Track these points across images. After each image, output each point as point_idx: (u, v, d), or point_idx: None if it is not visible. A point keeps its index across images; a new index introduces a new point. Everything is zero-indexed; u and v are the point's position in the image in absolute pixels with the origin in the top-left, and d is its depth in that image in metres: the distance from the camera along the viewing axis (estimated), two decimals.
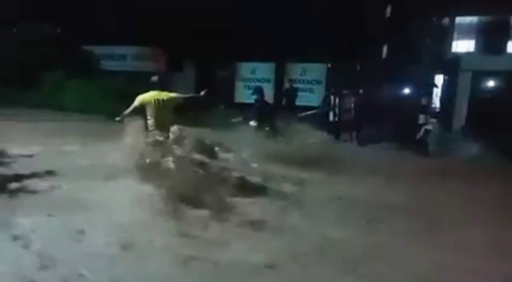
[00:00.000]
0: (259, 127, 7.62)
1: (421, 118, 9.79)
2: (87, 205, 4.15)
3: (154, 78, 5.53)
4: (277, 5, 13.43)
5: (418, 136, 9.49)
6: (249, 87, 15.78)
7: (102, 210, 4.04)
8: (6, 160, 5.75)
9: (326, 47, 14.36)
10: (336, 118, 9.95)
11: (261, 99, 8.09)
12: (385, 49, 15.78)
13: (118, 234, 3.51)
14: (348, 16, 13.96)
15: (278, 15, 13.62)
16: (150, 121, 5.29)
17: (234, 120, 8.08)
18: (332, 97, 9.95)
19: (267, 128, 7.67)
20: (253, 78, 15.75)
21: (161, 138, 5.07)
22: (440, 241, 3.78)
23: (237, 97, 15.88)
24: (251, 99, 15.11)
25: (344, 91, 9.65)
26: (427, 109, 10.43)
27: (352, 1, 14.06)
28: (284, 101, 12.53)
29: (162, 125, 5.25)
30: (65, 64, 12.20)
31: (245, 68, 15.80)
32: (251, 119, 7.65)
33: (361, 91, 10.82)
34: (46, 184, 4.77)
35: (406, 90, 12.47)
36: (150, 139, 5.08)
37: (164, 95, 5.36)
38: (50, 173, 5.23)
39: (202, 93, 5.77)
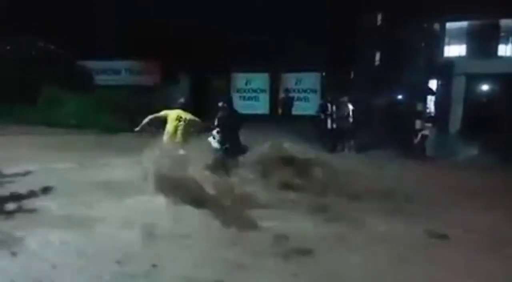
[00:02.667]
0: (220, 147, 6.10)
1: (418, 123, 9.81)
2: (84, 222, 4.07)
3: (181, 100, 6.08)
4: (271, 16, 13.53)
5: (415, 142, 9.50)
6: (244, 98, 15.83)
7: (100, 227, 3.96)
8: (1, 179, 5.65)
9: (320, 56, 14.48)
10: (334, 126, 9.93)
11: (226, 109, 6.38)
12: (378, 56, 15.92)
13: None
14: (341, 24, 14.09)
15: (272, 25, 13.73)
16: (166, 137, 5.63)
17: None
18: (329, 105, 9.95)
19: (224, 148, 6.04)
20: (249, 89, 15.78)
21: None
22: None
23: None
24: (247, 109, 15.37)
25: (342, 99, 9.63)
26: (422, 114, 10.47)
27: (344, 10, 14.20)
28: (280, 111, 12.58)
29: (178, 142, 5.60)
30: (59, 79, 12.18)
31: (240, 79, 15.84)
32: (211, 135, 6.22)
33: (355, 98, 10.85)
34: (43, 203, 4.68)
35: (401, 96, 12.54)
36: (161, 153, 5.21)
37: (188, 115, 5.78)
38: (46, 190, 5.14)
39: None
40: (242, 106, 15.72)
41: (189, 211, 4.39)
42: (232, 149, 6.06)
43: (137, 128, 5.77)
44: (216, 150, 6.06)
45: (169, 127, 5.65)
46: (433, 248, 3.83)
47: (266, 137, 9.97)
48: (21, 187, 5.20)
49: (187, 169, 4.82)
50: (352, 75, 14.84)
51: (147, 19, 14.68)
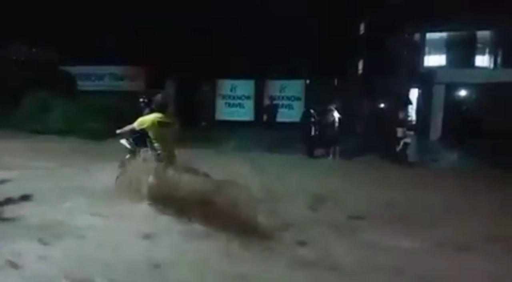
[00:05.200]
0: (135, 149, 5.23)
1: (399, 131, 10.01)
2: (64, 231, 4.00)
3: (157, 97, 4.90)
4: (257, 23, 13.67)
5: (398, 149, 9.69)
6: (229, 105, 15.87)
7: (80, 236, 3.90)
8: None
9: (304, 64, 14.67)
10: (317, 133, 10.05)
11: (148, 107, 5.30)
12: (360, 64, 16.26)
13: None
14: (325, 33, 14.34)
15: (257, 32, 13.86)
16: (157, 145, 4.75)
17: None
18: (312, 112, 10.07)
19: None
20: (233, 95, 15.84)
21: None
22: None
23: (218, 114, 15.90)
24: (232, 116, 15.42)
25: (328, 106, 9.77)
26: (404, 122, 10.69)
27: (329, 19, 14.48)
28: (265, 118, 12.65)
29: (169, 149, 4.80)
30: (43, 84, 12.01)
31: (225, 85, 15.89)
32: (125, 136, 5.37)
33: (340, 106, 11.03)
34: (22, 211, 4.58)
35: (383, 105, 12.79)
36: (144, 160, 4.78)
37: (168, 117, 4.80)
38: (26, 198, 5.04)
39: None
40: (227, 112, 15.81)
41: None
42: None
43: (119, 131, 5.12)
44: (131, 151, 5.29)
45: (152, 136, 4.74)
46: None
47: (251, 143, 10.20)
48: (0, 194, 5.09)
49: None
50: (335, 83, 15.08)
51: (132, 24, 14.63)
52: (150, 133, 4.73)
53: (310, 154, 9.76)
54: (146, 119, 4.74)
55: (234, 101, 15.78)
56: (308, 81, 14.98)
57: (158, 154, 4.72)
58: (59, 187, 5.53)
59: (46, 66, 13.47)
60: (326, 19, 14.97)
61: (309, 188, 6.14)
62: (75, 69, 14.93)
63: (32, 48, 13.92)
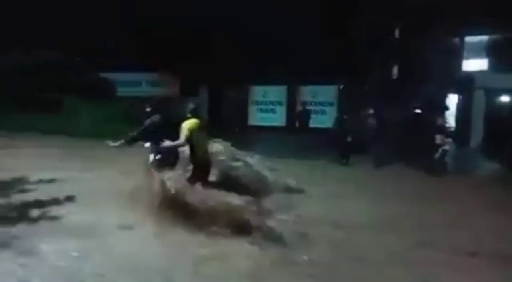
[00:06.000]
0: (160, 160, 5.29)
1: (438, 138, 9.65)
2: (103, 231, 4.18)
3: (191, 105, 5.19)
4: (289, 28, 13.68)
5: (436, 157, 9.36)
6: (261, 110, 15.97)
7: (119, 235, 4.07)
8: (27, 186, 5.86)
9: (337, 69, 14.49)
10: (349, 140, 9.90)
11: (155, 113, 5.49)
12: (395, 69, 15.84)
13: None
14: (359, 37, 14.11)
15: (290, 38, 13.86)
16: (197, 148, 5.04)
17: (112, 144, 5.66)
18: (346, 118, 9.94)
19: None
20: (266, 101, 15.92)
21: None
22: None
23: (251, 120, 16.03)
24: (265, 121, 15.48)
25: (363, 112, 9.61)
26: (443, 129, 10.30)
27: (363, 23, 14.22)
28: (297, 123, 12.60)
29: (206, 151, 5.22)
30: (81, 90, 12.60)
31: (258, 91, 16.00)
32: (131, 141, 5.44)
33: (374, 112, 10.81)
34: (65, 211, 4.83)
35: (420, 111, 12.39)
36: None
37: (202, 122, 5.18)
38: (68, 199, 5.30)
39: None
40: (259, 118, 15.92)
41: None
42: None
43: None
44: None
45: (194, 140, 4.97)
46: None
47: (282, 148, 10.14)
48: (44, 194, 5.38)
49: None
50: (369, 88, 14.77)
51: (168, 34, 15.06)
52: (194, 138, 4.97)
53: (343, 161, 9.62)
54: (187, 126, 4.92)
55: (267, 106, 15.87)
56: (341, 86, 14.80)
57: (194, 155, 4.98)
58: (100, 189, 5.75)
59: (84, 72, 14.16)
60: (360, 23, 14.75)
61: (367, 208, 5.68)
62: (113, 76, 15.60)
63: (72, 55, 14.66)
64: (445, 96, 12.43)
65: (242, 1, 13.52)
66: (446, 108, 12.30)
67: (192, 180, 4.97)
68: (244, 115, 15.96)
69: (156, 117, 5.43)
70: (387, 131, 10.26)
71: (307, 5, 13.47)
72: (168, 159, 5.22)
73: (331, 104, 14.78)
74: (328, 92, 15.04)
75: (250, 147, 9.89)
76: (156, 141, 5.17)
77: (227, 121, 13.77)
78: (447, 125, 11.39)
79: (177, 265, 3.51)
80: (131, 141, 5.35)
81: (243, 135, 13.32)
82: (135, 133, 5.36)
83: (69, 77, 13.27)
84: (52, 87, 12.59)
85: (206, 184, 4.99)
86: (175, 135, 4.92)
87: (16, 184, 5.95)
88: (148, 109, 5.61)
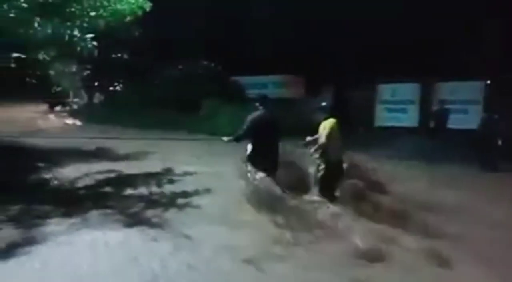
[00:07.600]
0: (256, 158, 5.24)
1: None
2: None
3: (324, 104, 5.21)
4: (420, 20, 12.60)
5: None
6: (390, 110, 15.03)
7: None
8: (174, 177, 6.72)
9: (482, 62, 12.70)
10: (500, 144, 8.54)
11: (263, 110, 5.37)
12: None
13: None
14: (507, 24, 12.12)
15: (422, 30, 12.75)
16: (331, 148, 4.98)
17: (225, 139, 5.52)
18: (496, 118, 8.63)
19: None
20: (394, 100, 14.93)
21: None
22: None
23: (377, 120, 15.24)
24: (393, 122, 14.50)
25: None
26: None
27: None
28: (432, 124, 11.47)
29: (340, 152, 5.14)
30: (218, 93, 13.95)
31: (386, 90, 15.10)
32: (239, 138, 5.37)
33: None
34: (206, 201, 5.38)
35: None
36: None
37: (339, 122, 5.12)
38: (208, 191, 5.87)
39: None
40: (387, 118, 14.98)
41: None
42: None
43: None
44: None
45: (333, 137, 4.94)
46: None
47: (412, 151, 9.31)
48: (187, 185, 6.09)
49: None
50: None
51: (292, 39, 15.53)
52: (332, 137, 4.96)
53: (492, 169, 8.34)
54: (329, 125, 4.93)
55: (396, 106, 14.85)
56: (488, 81, 12.86)
57: (327, 156, 4.95)
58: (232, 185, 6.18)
59: (220, 77, 15.62)
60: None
61: None
62: (242, 79, 16.73)
63: (210, 62, 16.31)
64: None
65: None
66: None
67: (324, 182, 4.96)
68: (370, 115, 15.26)
69: (258, 117, 5.30)
70: None
71: None
72: (265, 160, 5.18)
73: (476, 102, 13.01)
74: (472, 89, 13.27)
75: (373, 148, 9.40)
76: (257, 139, 5.20)
77: (351, 121, 13.36)
78: None
79: None
80: (237, 138, 5.41)
81: (368, 135, 12.79)
82: (240, 131, 5.35)
83: (212, 82, 14.83)
84: (200, 92, 14.27)
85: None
86: (276, 134, 5.27)
87: (166, 174, 6.89)
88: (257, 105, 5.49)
